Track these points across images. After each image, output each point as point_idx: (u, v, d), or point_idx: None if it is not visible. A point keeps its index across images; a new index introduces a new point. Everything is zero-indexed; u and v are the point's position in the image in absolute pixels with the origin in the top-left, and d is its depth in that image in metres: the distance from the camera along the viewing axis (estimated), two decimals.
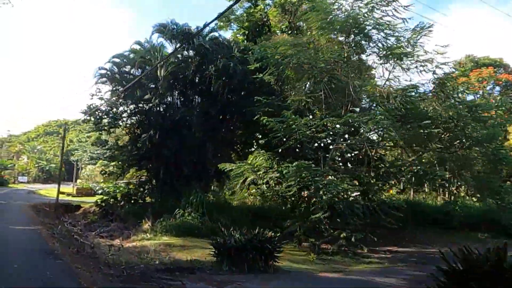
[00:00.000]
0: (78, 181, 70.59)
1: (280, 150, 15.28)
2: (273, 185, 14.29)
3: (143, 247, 12.61)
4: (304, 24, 20.74)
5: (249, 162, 14.48)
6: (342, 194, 12.51)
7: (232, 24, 24.32)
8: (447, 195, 23.63)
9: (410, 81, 15.82)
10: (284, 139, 15.09)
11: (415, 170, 14.29)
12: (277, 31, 22.71)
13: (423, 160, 17.21)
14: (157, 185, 20.86)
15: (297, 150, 15.38)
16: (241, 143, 20.89)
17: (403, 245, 15.64)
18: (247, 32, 22.82)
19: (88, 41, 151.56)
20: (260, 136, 18.78)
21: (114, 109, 18.95)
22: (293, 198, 14.48)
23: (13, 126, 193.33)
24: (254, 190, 17.41)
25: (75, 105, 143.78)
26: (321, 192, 12.04)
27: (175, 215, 16.24)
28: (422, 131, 14.33)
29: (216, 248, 9.58)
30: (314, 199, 12.89)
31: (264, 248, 9.14)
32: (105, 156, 24.34)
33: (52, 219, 18.77)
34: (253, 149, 19.20)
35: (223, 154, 21.37)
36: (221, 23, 23.67)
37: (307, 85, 16.47)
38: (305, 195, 14.24)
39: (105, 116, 18.98)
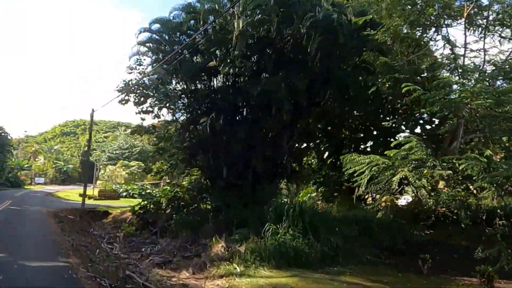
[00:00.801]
0: (98, 182, 66.37)
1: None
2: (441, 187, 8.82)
3: None
4: None
5: (399, 151, 9.03)
6: None
7: None
8: None
9: None
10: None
11: None
12: None
13: None
14: (213, 187, 15.60)
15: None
16: (351, 130, 15.41)
17: None
18: None
19: (88, 42, 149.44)
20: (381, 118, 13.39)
21: (162, 87, 13.73)
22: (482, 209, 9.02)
23: (30, 126, 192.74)
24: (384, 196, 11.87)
25: (75, 105, 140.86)
26: None
27: (264, 231, 10.94)
28: None
29: None
30: None
31: None
32: (133, 153, 19.08)
33: (82, 234, 13.71)
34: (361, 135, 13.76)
35: (302, 147, 16.10)
36: None
37: None
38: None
39: (153, 93, 13.81)
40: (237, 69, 12.84)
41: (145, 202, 18.46)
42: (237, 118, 13.93)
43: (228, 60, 12.61)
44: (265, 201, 15.34)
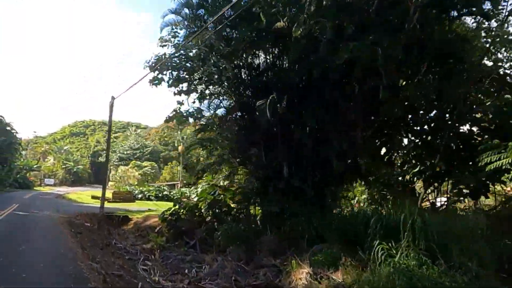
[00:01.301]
0: (109, 183, 63.67)
1: None
2: None
3: None
4: None
5: None
6: None
7: None
8: None
9: None
10: None
11: None
12: None
13: None
14: (267, 190, 12.35)
15: None
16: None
17: None
18: None
19: (89, 42, 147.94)
20: None
21: (210, 57, 10.50)
22: None
23: (38, 127, 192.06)
24: None
25: (75, 105, 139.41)
26: None
27: (364, 251, 7.68)
28: None
29: None
30: None
31: None
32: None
33: (106, 251, 10.56)
34: None
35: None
36: None
37: None
38: None
39: (200, 66, 10.59)
40: (312, 30, 9.58)
41: (177, 207, 15.29)
42: (306, 100, 10.66)
43: (302, 20, 9.36)
44: (331, 208, 12.14)
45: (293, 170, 11.67)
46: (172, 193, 38.19)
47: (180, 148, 70.84)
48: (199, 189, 36.14)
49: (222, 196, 13.83)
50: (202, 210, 13.81)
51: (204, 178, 38.78)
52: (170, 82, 11.45)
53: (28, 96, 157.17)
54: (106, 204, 32.24)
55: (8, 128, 33.91)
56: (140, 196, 37.38)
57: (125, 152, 75.24)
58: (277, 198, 11.81)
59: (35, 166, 61.63)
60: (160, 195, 37.16)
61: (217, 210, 13.76)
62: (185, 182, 48.39)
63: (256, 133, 11.63)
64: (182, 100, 12.12)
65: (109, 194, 43.88)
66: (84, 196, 40.99)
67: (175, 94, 11.54)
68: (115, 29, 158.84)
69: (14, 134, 36.04)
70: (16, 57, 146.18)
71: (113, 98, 16.83)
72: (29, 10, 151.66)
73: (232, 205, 13.80)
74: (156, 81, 11.67)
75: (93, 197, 37.18)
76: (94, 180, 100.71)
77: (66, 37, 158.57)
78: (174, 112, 11.82)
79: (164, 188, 39.99)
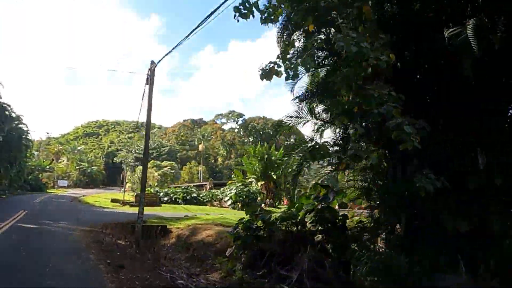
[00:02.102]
0: (127, 185, 59.34)
1: None
2: None
3: None
4: None
5: None
6: None
7: None
8: None
9: None
10: None
11: None
12: None
13: None
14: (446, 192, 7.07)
15: None
16: None
17: None
18: None
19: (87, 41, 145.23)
20: None
21: None
22: None
23: (51, 128, 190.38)
24: None
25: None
26: None
27: None
28: None
29: None
30: None
31: None
32: None
33: None
34: None
35: None
36: None
37: None
38: None
39: None
40: None
41: (252, 218, 10.23)
42: None
43: None
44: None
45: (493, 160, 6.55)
46: (201, 195, 33.39)
47: (200, 146, 66.06)
48: (233, 190, 31.12)
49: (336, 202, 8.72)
50: (308, 224, 8.76)
51: (233, 178, 34.20)
52: None
53: (41, 94, 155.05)
54: (129, 208, 27.63)
55: (16, 122, 29.48)
56: (166, 198, 32.62)
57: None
58: (465, 206, 6.70)
59: (47, 166, 57.55)
60: (188, 197, 32.37)
61: (328, 225, 8.70)
62: (214, 182, 43.54)
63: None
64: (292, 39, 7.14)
65: (129, 197, 39.41)
66: (102, 199, 36.48)
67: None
68: (114, 28, 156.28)
69: (25, 129, 31.68)
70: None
71: (153, 63, 11.98)
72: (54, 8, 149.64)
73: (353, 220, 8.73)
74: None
75: (113, 201, 32.61)
76: (108, 181, 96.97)
77: (64, 36, 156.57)
78: (272, 64, 6.81)
79: (192, 189, 35.16)
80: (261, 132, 73.60)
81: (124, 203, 30.94)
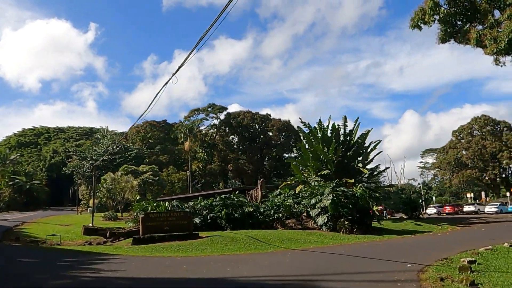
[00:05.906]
0: (86, 203, 42.99)
1: None
2: None
3: None
4: None
5: None
6: None
7: None
8: None
9: None
10: None
11: None
12: None
13: None
14: None
15: None
16: None
17: None
18: None
19: None
20: None
21: None
22: None
23: None
24: None
25: None
26: None
27: None
28: None
29: None
30: None
31: None
32: None
33: None
34: None
35: None
36: None
37: None
38: None
39: None
40: None
41: None
42: None
43: None
44: None
45: None
46: (260, 210, 19.61)
47: (186, 144, 51.19)
48: (327, 197, 17.46)
49: None
50: None
51: (289, 180, 22.13)
52: None
53: None
54: (134, 253, 13.74)
55: None
56: (197, 221, 18.19)
57: (100, 158, 54.30)
58: None
59: None
60: (235, 214, 18.64)
61: None
62: (205, 193, 29.73)
63: None
64: None
65: (100, 221, 24.83)
66: (60, 228, 21.69)
67: None
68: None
69: None
70: None
71: None
72: None
73: None
74: None
75: (87, 231, 18.27)
76: (53, 200, 77.13)
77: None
78: None
79: (240, 198, 21.33)
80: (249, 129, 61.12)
81: (110, 234, 16.75)
